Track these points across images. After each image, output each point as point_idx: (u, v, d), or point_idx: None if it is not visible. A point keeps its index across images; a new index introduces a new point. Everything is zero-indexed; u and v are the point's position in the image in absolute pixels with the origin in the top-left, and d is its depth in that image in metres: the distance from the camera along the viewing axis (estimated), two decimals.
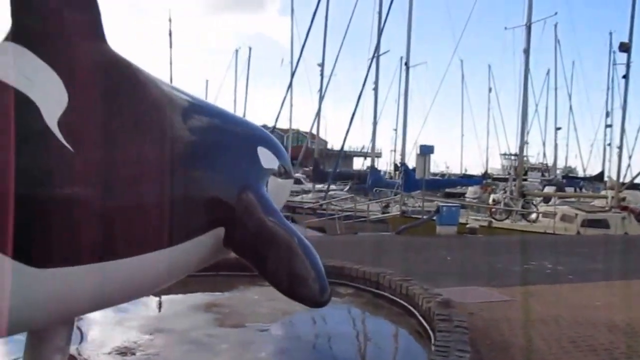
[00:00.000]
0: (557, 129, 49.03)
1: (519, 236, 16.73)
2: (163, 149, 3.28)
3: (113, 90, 3.12)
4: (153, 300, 6.14)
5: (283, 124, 45.31)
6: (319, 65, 35.67)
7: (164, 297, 6.32)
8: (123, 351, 4.60)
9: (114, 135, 2.98)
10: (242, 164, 3.99)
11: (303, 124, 46.16)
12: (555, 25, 43.96)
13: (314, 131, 35.87)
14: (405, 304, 6.09)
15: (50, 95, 2.69)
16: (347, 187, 31.65)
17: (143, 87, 3.35)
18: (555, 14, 31.54)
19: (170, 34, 42.05)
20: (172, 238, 3.30)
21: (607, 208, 22.23)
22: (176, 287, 5.95)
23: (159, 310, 6.03)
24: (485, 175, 40.02)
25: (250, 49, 55.31)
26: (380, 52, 29.70)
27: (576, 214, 20.35)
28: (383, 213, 21.15)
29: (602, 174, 36.90)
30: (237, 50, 55.07)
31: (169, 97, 3.55)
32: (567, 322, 6.02)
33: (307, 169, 39.41)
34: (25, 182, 2.52)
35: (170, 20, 48.67)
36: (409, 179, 21.91)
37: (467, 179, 41.14)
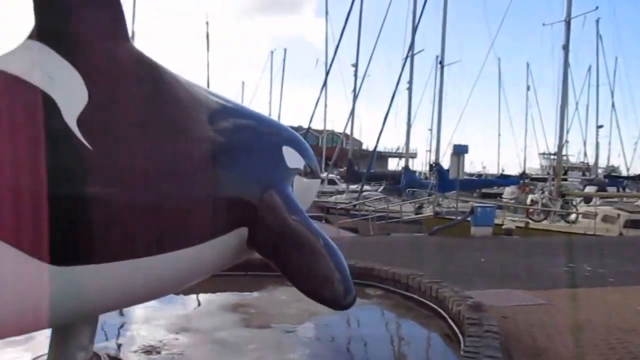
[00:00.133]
0: (599, 127, 47.55)
1: (558, 237, 16.26)
2: (185, 148, 3.26)
3: (135, 88, 3.11)
4: (181, 299, 6.15)
5: (318, 125, 45.43)
6: (352, 65, 35.70)
7: (192, 296, 6.35)
8: (148, 350, 4.61)
9: (134, 134, 2.96)
10: (266, 163, 3.94)
11: (338, 125, 46.18)
12: (597, 21, 42.66)
13: (348, 131, 35.85)
14: (435, 306, 5.93)
15: (70, 94, 2.69)
16: (381, 188, 31.38)
17: (166, 86, 3.33)
18: (596, 8, 30.44)
19: (207, 37, 42.85)
20: (194, 237, 3.28)
21: None
22: (205, 286, 5.99)
23: (187, 309, 6.04)
24: (523, 175, 39.03)
25: (285, 50, 55.68)
26: (415, 51, 29.43)
27: (618, 215, 19.62)
28: (416, 214, 20.88)
29: None
30: (272, 52, 55.70)
31: (193, 97, 3.53)
32: (606, 327, 5.75)
33: (341, 169, 39.30)
34: (43, 180, 2.52)
35: (207, 23, 49.61)
36: (443, 179, 21.58)
37: (503, 179, 40.24)
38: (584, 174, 41.33)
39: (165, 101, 3.25)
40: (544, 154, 50.20)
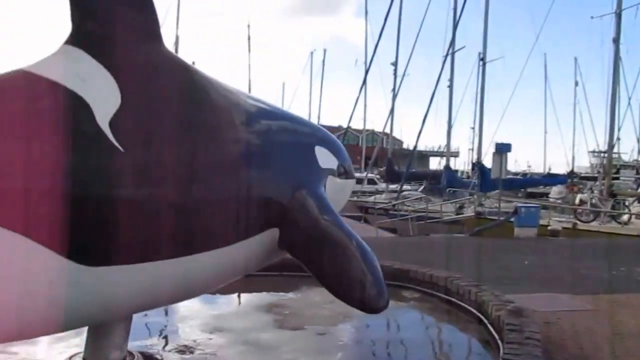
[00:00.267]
0: None
1: (608, 239, 15.60)
2: (216, 150, 3.26)
3: (167, 91, 3.12)
4: (217, 299, 6.17)
5: (358, 125, 45.34)
6: (392, 64, 35.49)
7: (227, 296, 6.35)
8: (182, 349, 4.62)
9: (166, 135, 2.98)
10: (298, 164, 3.90)
11: (378, 125, 45.87)
12: None
13: (388, 131, 35.60)
14: (475, 311, 5.74)
15: (103, 96, 2.72)
16: (421, 188, 30.96)
17: (198, 87, 3.34)
18: None
19: (249, 40, 43.55)
20: (225, 238, 3.27)
21: None
22: (240, 286, 6.02)
23: (222, 309, 6.04)
24: (571, 174, 37.74)
25: (324, 51, 56.08)
26: (455, 48, 28.89)
27: None
28: (457, 214, 20.46)
29: None
30: (312, 53, 55.98)
31: (225, 98, 3.53)
32: None
33: (381, 169, 39.06)
34: (75, 181, 2.54)
35: (249, 26, 50.30)
36: (485, 179, 21.09)
37: (550, 178, 38.98)
38: (638, 173, 39.62)
39: (197, 103, 3.26)
40: (593, 151, 48.42)
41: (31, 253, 2.42)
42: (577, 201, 23.41)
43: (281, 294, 6.74)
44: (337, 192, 4.43)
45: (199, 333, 5.06)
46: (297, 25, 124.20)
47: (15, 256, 2.41)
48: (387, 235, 16.42)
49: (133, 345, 4.00)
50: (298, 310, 6.12)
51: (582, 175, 40.07)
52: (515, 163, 58.56)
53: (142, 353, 3.96)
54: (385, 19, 31.10)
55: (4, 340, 3.00)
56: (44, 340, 4.18)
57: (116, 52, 2.91)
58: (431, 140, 66.79)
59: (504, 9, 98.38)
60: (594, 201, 22.07)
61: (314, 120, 50.22)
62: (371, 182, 35.24)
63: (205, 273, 3.30)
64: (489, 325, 5.27)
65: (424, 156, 60.19)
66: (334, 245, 3.51)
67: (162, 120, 2.99)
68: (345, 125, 37.02)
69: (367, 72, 35.05)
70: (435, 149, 59.51)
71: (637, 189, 27.31)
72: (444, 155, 34.84)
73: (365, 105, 41.76)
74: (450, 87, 30.87)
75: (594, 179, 30.69)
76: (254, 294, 6.64)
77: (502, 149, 16.20)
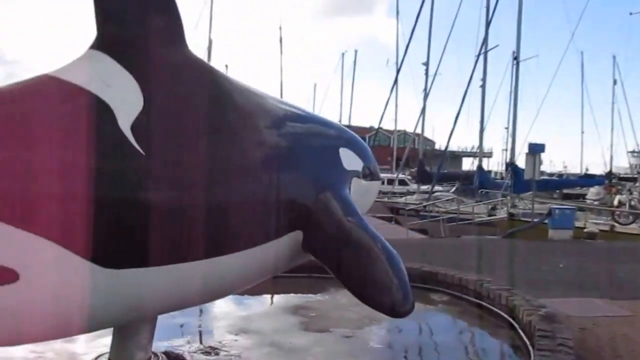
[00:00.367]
0: None
1: None
2: (239, 152, 3.24)
3: (191, 94, 3.13)
4: (244, 300, 6.18)
5: (390, 125, 45.07)
6: (423, 64, 35.15)
7: (255, 297, 6.35)
8: (207, 351, 4.63)
9: (189, 138, 2.98)
10: (322, 165, 3.85)
11: (410, 125, 45.54)
12: None
13: (419, 131, 35.30)
14: (505, 315, 5.59)
15: (126, 101, 2.73)
16: (454, 189, 30.56)
17: (222, 90, 3.34)
18: None
19: (280, 42, 43.77)
20: (248, 240, 3.25)
21: None
22: (268, 288, 6.02)
23: (248, 311, 6.04)
24: (609, 174, 36.66)
25: (356, 51, 55.97)
26: (488, 47, 28.40)
27: None
28: (490, 215, 20.08)
29: None
30: (343, 54, 56.03)
31: (249, 100, 3.52)
32: None
33: (413, 169, 38.76)
34: (97, 185, 2.56)
35: (280, 28, 50.60)
36: (519, 180, 20.63)
37: (586, 179, 37.97)
38: None
39: (220, 106, 3.25)
40: (633, 152, 47.03)
41: (58, 257, 2.43)
42: (615, 203, 22.67)
43: (308, 295, 6.71)
44: (362, 194, 4.36)
45: (224, 334, 5.07)
46: (329, 26, 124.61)
47: (43, 260, 2.43)
48: (418, 236, 16.23)
49: (159, 345, 4.03)
50: (324, 312, 6.07)
51: (621, 176, 38.87)
52: (551, 163, 57.36)
53: (167, 354, 3.98)
54: (417, 19, 30.96)
55: (32, 341, 3.04)
56: (71, 339, 4.24)
57: (140, 56, 2.93)
58: (464, 140, 65.94)
59: (538, 6, 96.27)
60: (633, 203, 21.38)
61: (344, 121, 50.36)
62: (402, 183, 34.97)
63: (229, 275, 3.29)
64: (519, 331, 5.12)
65: (457, 157, 59.47)
66: (358, 247, 3.45)
67: (184, 123, 2.99)
68: (376, 126, 36.87)
69: (398, 71, 34.96)
70: (468, 150, 58.76)
71: None
72: (477, 156, 34.30)
73: (396, 106, 41.44)
74: (483, 86, 30.34)
75: (634, 179, 29.80)
76: (281, 295, 6.63)
77: (536, 150, 15.85)
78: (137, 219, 2.68)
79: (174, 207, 2.84)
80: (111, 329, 3.51)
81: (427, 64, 34.73)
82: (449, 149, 31.48)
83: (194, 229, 2.93)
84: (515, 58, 25.81)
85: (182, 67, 3.11)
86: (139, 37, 2.94)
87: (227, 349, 4.68)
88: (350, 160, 4.16)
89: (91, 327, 3.04)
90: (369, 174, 4.55)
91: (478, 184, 26.86)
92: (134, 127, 2.66)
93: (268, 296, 6.56)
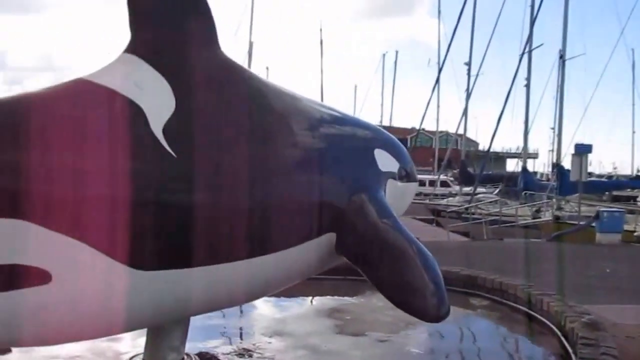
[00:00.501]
0: None
1: None
2: (273, 154, 3.24)
3: (223, 96, 3.14)
4: (279, 302, 6.19)
5: (432, 126, 44.55)
6: (465, 64, 34.56)
7: (290, 300, 6.35)
8: (241, 352, 4.65)
9: (221, 140, 2.99)
10: (356, 167, 3.82)
11: (452, 126, 44.77)
12: None
13: (461, 132, 34.73)
14: (547, 321, 5.41)
15: (158, 103, 2.76)
16: (497, 190, 29.89)
17: (255, 92, 3.35)
18: None
19: (321, 44, 43.92)
20: (280, 242, 3.23)
21: None
22: (303, 290, 6.01)
23: (283, 313, 6.05)
24: None
25: (396, 52, 55.56)
26: (533, 45, 27.64)
27: None
28: (534, 218, 19.53)
29: None
30: (384, 55, 55.76)
31: (283, 102, 3.52)
32: None
33: (455, 171, 38.17)
34: (128, 187, 2.59)
35: (321, 30, 50.73)
36: (565, 181, 20.02)
37: (636, 181, 36.48)
38: None
39: (254, 107, 3.27)
40: None
41: (91, 259, 2.47)
42: None
43: (344, 298, 6.68)
44: (398, 195, 4.29)
45: (259, 336, 5.09)
46: (369, 27, 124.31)
47: (76, 262, 2.48)
48: (460, 239, 15.94)
49: (193, 346, 4.07)
50: (359, 315, 6.03)
51: None
52: (600, 165, 55.33)
53: (200, 355, 4.02)
54: (459, 18, 30.51)
55: (66, 341, 3.10)
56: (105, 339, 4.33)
57: (173, 59, 2.97)
58: (508, 141, 64.45)
59: (585, 2, 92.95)
60: None
61: (385, 123, 50.02)
62: (444, 184, 34.49)
63: (263, 277, 3.29)
64: (562, 338, 4.94)
65: (501, 158, 58.18)
66: (393, 250, 3.39)
67: (217, 125, 3.00)
68: (418, 127, 36.48)
69: (439, 71, 34.54)
70: (513, 151, 57.40)
71: None
72: (521, 157, 33.48)
73: (438, 106, 40.95)
74: (528, 86, 29.51)
75: None
76: (317, 297, 6.62)
77: (582, 150, 15.35)
78: (165, 221, 2.70)
79: (203, 209, 2.84)
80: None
81: (469, 63, 34.20)
82: (492, 150, 30.85)
83: (230, 231, 2.94)
84: (562, 57, 25.08)
85: (215, 69, 3.13)
86: (171, 41, 2.99)
87: (260, 351, 4.69)
88: (385, 161, 4.10)
89: (125, 328, 3.09)
90: (405, 176, 4.48)
91: (522, 185, 26.19)
92: (165, 130, 2.69)
93: (303, 298, 6.55)
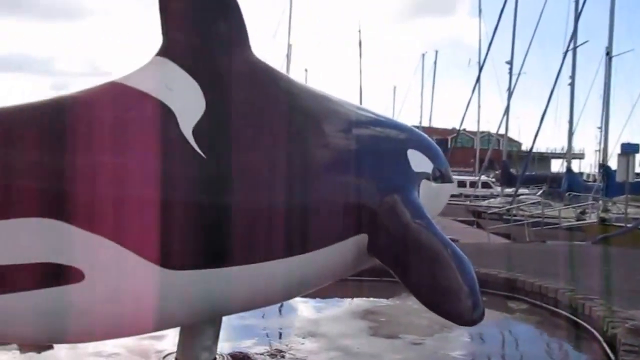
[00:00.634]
0: None
1: None
2: (304, 154, 3.25)
3: (254, 98, 3.17)
4: (313, 303, 6.20)
5: (474, 126, 43.81)
6: (507, 63, 33.92)
7: (324, 300, 6.35)
8: (274, 353, 4.67)
9: (251, 142, 3.01)
10: (389, 167, 3.78)
11: (494, 126, 43.92)
12: None
13: (502, 131, 34.04)
14: (588, 326, 5.23)
15: (188, 104, 2.81)
16: (540, 191, 29.13)
17: (285, 93, 3.36)
18: None
19: (360, 45, 43.86)
20: (311, 243, 3.23)
21: None
22: (338, 291, 6.01)
23: (317, 314, 6.06)
24: None
25: (436, 52, 54.63)
26: (577, 42, 26.83)
27: None
28: (578, 220, 18.92)
29: None
30: (423, 55, 55.15)
31: (315, 103, 3.53)
32: None
33: (497, 172, 37.44)
34: (159, 188, 2.65)
35: (359, 31, 50.62)
36: (611, 182, 19.34)
37: None
38: None
39: (285, 109, 3.27)
40: None
41: (123, 258, 2.53)
42: None
43: (378, 300, 6.63)
44: (432, 196, 4.23)
45: (292, 337, 5.11)
46: (408, 27, 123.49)
47: (108, 261, 2.54)
48: (500, 241, 15.59)
49: (226, 346, 4.11)
50: (394, 317, 5.97)
51: None
52: None
53: (232, 355, 4.06)
54: (500, 17, 29.96)
55: (98, 338, 3.18)
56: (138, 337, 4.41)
57: (204, 62, 3.00)
58: (553, 141, 62.75)
59: None
60: None
61: (425, 123, 49.46)
62: (486, 185, 33.85)
63: (296, 277, 3.29)
64: (603, 344, 4.77)
65: (545, 158, 56.74)
66: (426, 251, 3.33)
67: (247, 127, 3.02)
68: (458, 127, 35.97)
69: (480, 70, 34.00)
70: (557, 151, 55.88)
71: None
72: (566, 157, 32.56)
73: (479, 106, 40.26)
74: (572, 84, 28.72)
75: None
76: (351, 299, 6.59)
77: (629, 150, 14.79)
78: (193, 221, 2.73)
79: (231, 209, 2.86)
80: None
81: (510, 62, 33.59)
82: (536, 150, 30.11)
83: (260, 231, 2.95)
84: (608, 53, 24.25)
85: (246, 71, 3.15)
86: (202, 43, 3.03)
87: (293, 352, 4.70)
88: (419, 162, 4.05)
89: (157, 326, 3.15)
90: (439, 176, 4.41)
91: (566, 186, 25.45)
92: (195, 131, 2.73)
93: (337, 299, 6.53)
